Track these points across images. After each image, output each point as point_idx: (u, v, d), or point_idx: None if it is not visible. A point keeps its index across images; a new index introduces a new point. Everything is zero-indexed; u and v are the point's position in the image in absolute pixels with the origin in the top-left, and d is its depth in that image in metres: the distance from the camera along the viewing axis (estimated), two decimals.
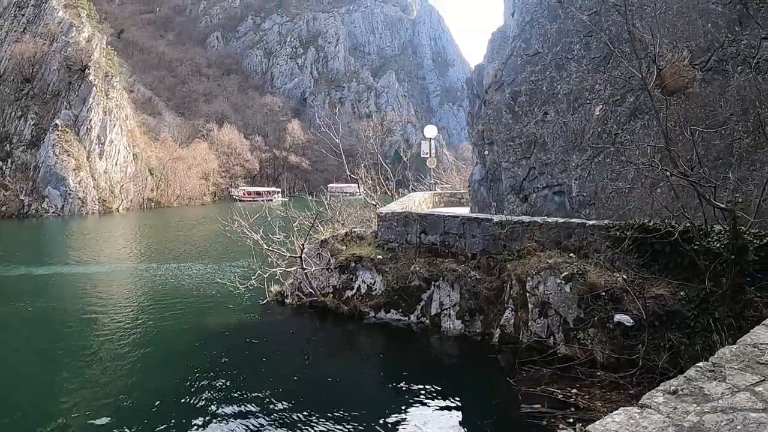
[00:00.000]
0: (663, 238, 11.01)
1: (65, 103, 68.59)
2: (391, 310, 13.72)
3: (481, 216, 13.15)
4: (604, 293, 10.27)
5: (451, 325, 12.54)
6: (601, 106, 16.39)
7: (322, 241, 16.12)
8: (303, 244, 15.31)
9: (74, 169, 66.01)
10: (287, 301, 16.04)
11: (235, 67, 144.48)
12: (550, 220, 12.25)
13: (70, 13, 76.36)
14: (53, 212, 63.21)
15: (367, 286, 14.37)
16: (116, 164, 74.65)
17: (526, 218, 12.54)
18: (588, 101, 16.73)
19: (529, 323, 10.75)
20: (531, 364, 9.92)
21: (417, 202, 19.95)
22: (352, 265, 14.79)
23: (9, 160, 63.89)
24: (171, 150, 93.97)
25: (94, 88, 70.93)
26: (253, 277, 15.03)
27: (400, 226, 14.27)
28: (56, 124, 65.95)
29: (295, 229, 15.93)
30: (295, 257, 15.37)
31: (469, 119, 20.18)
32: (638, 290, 10.27)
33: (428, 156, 24.15)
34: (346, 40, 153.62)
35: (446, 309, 12.69)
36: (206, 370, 10.87)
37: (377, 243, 14.92)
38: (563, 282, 10.55)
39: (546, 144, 17.67)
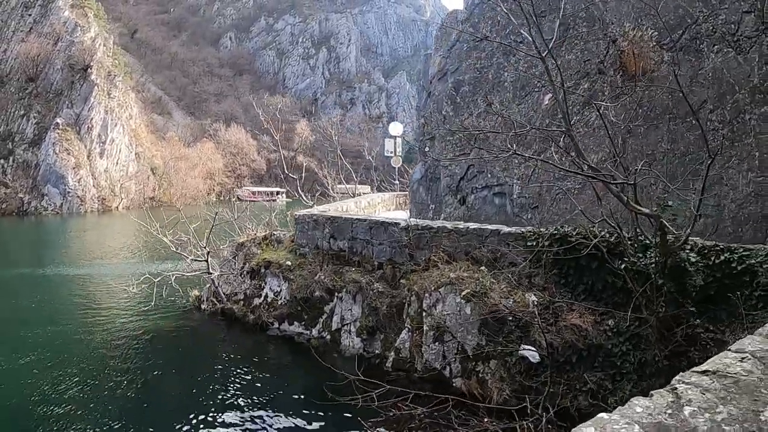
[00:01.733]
0: (590, 252, 8.94)
1: (67, 102, 68.35)
2: (294, 322, 12.13)
3: (388, 220, 11.39)
4: (510, 318, 8.37)
5: (351, 343, 10.85)
6: (550, 95, 14.56)
7: (239, 244, 14.56)
8: (205, 246, 13.80)
9: (74, 168, 65.64)
10: (203, 306, 14.67)
11: (247, 68, 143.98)
12: (461, 225, 10.42)
13: (77, 13, 76.13)
14: (52, 210, 62.83)
15: (274, 294, 12.80)
16: (117, 163, 74.21)
17: (435, 223, 10.77)
18: (537, 89, 14.92)
19: (423, 348, 8.97)
20: (418, 398, 8.15)
21: (365, 204, 18.25)
22: (262, 270, 13.22)
23: (11, 158, 63.73)
24: (175, 149, 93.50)
25: (96, 87, 70.53)
26: (136, 281, 13.65)
27: (312, 229, 12.61)
28: (57, 123, 65.68)
29: (206, 231, 14.41)
30: (200, 261, 13.86)
31: (417, 113, 18.53)
32: (553, 316, 8.31)
33: (392, 155, 22.50)
34: (359, 41, 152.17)
35: (347, 324, 11.02)
36: (96, 378, 10.46)
37: (292, 248, 13.29)
38: (463, 302, 8.72)
39: (487, 138, 15.85)
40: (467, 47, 16.65)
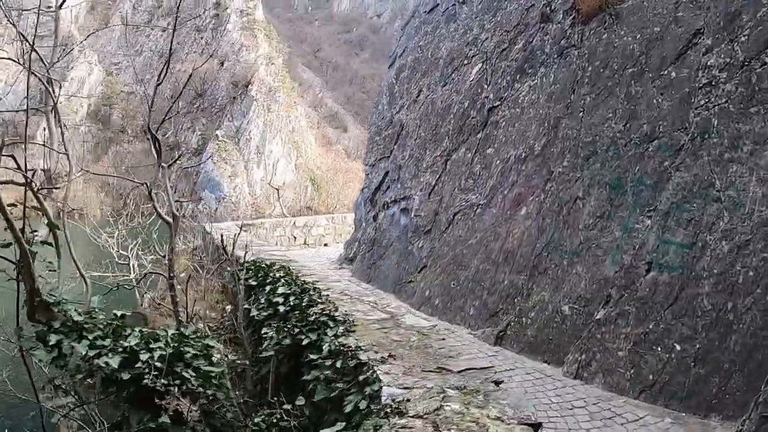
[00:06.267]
0: None
1: (228, 115, 74.31)
2: None
3: None
4: None
5: None
6: (479, 66, 10.23)
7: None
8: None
9: (230, 176, 71.10)
10: None
11: None
12: None
13: (245, 35, 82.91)
14: (206, 213, 68.48)
15: None
16: (274, 173, 78.62)
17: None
18: (466, 62, 10.68)
19: None
20: None
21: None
22: None
23: (175, 166, 71.02)
24: (338, 161, 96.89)
25: (255, 102, 75.62)
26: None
27: None
28: (217, 135, 71.64)
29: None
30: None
31: None
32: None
33: None
34: None
35: None
36: None
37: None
38: None
39: (408, 135, 11.94)
40: (418, 22, 12.98)
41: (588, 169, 7.60)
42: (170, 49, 6.85)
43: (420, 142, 11.47)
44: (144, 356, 4.03)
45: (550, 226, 7.91)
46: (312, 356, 4.06)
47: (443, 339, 4.19)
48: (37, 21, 7.07)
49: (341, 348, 3.86)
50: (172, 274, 6.60)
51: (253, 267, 6.57)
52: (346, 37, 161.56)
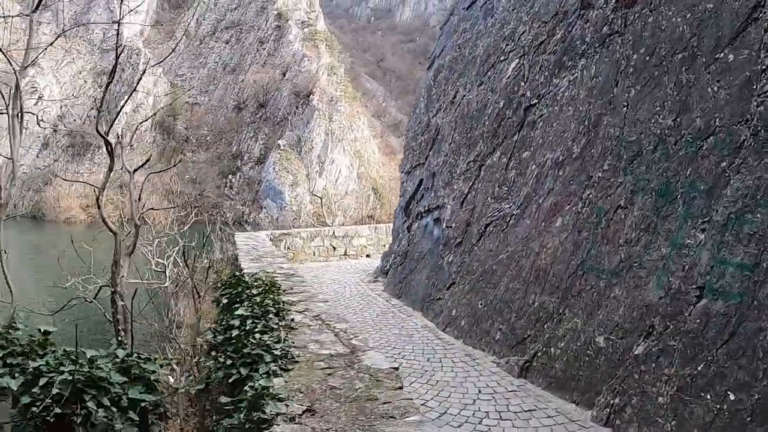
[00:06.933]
0: None
1: (290, 125, 75.31)
2: None
3: None
4: None
5: None
6: (516, 62, 9.22)
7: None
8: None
9: (291, 185, 71.89)
10: None
11: None
12: None
13: (306, 46, 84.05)
14: (268, 221, 69.48)
15: None
16: (336, 182, 78.94)
17: None
18: (503, 58, 9.70)
19: None
20: None
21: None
22: None
23: (238, 174, 72.73)
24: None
25: (317, 111, 76.30)
26: None
27: None
28: (278, 144, 72.73)
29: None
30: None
31: None
32: None
33: None
34: None
35: None
36: None
37: None
38: None
39: (444, 140, 11.02)
40: (457, 20, 12.12)
41: (631, 173, 6.49)
42: (117, 53, 6.21)
43: (454, 147, 10.58)
44: (42, 380, 3.40)
45: (587, 240, 6.84)
46: (223, 399, 3.30)
47: (399, 388, 3.31)
48: (30, 28, 6.73)
49: (261, 392, 3.08)
50: (115, 288, 6.10)
51: (233, 281, 5.92)
52: (409, 47, 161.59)
